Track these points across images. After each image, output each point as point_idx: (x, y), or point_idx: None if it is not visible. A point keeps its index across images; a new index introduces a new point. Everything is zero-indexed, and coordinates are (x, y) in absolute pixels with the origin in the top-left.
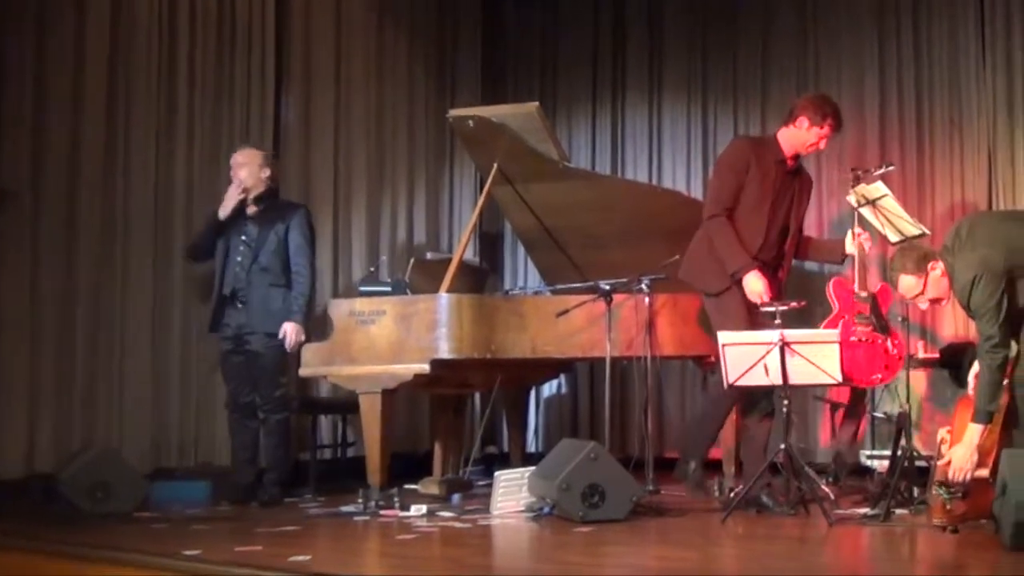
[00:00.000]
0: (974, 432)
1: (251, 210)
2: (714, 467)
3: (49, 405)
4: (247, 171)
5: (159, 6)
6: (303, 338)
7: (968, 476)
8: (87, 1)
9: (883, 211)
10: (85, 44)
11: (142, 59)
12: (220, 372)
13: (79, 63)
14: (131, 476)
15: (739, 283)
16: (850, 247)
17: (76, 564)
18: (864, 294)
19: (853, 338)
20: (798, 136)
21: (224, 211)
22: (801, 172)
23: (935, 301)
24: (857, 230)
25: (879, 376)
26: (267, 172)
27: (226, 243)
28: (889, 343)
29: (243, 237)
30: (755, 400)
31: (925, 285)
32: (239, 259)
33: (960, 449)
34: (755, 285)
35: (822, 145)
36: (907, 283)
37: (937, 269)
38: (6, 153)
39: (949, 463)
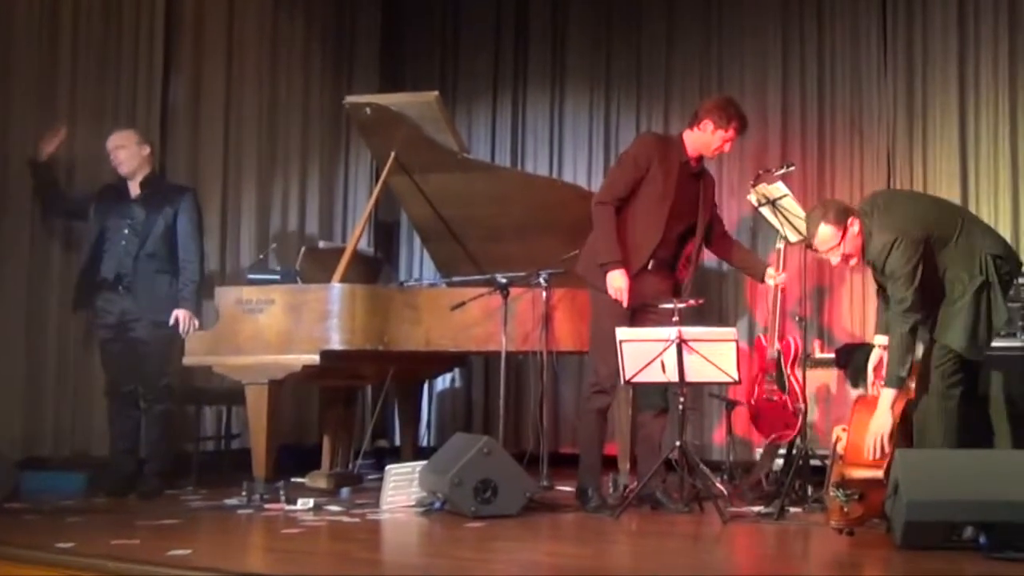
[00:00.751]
0: (887, 397)
1: (135, 193)
2: (609, 463)
3: None
4: (126, 152)
5: None
6: (196, 324)
7: (885, 441)
8: None
9: (783, 211)
10: None
11: (22, 28)
12: (99, 359)
13: None
14: (1, 464)
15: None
16: (769, 280)
17: None
18: (775, 349)
19: (765, 397)
20: (702, 139)
21: (44, 155)
22: (704, 174)
23: (846, 258)
24: (775, 274)
25: (776, 436)
26: (146, 149)
27: (103, 223)
28: (788, 401)
29: (128, 220)
30: (649, 397)
31: (842, 239)
32: (123, 243)
33: (878, 417)
34: (617, 282)
35: (726, 148)
36: (825, 233)
37: (855, 226)
38: None
39: (844, 463)
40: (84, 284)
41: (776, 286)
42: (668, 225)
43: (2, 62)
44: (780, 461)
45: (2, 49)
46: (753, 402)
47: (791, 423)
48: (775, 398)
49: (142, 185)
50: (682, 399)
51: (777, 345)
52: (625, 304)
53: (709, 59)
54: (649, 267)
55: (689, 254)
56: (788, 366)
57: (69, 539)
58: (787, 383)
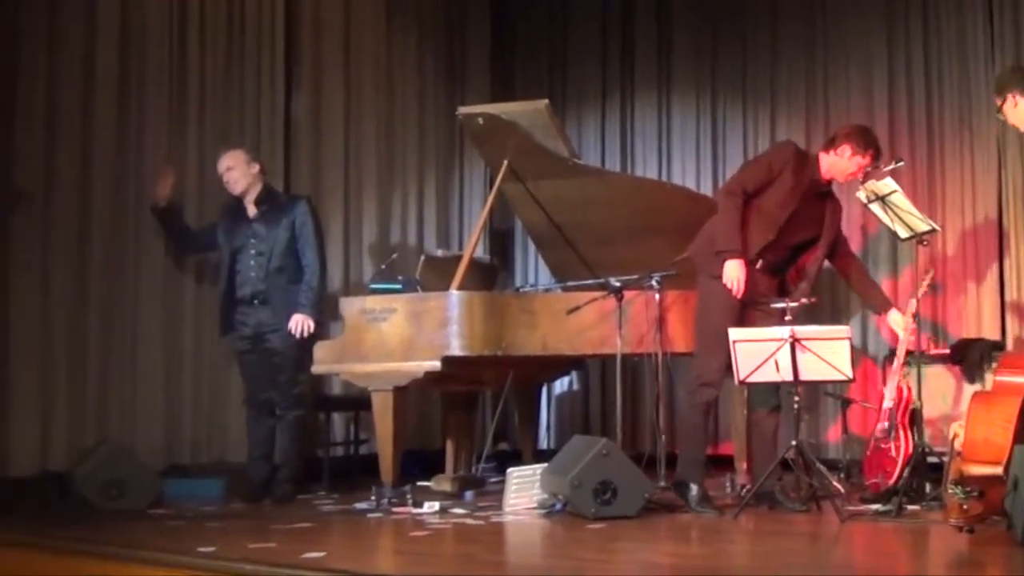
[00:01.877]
0: None
1: (253, 212)
2: (726, 463)
3: (62, 403)
4: (236, 173)
5: (168, 6)
6: (312, 327)
7: None
8: (98, 3)
9: (892, 207)
10: (96, 46)
11: (153, 59)
12: (237, 369)
13: (89, 65)
14: (145, 473)
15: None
16: (898, 328)
17: (90, 562)
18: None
19: (874, 442)
20: (838, 163)
21: (161, 199)
22: (831, 197)
23: None
24: (904, 323)
25: (874, 482)
26: (255, 167)
27: (231, 245)
28: (894, 448)
29: (252, 240)
30: (761, 395)
31: None
32: (252, 263)
33: None
34: (733, 271)
35: (860, 175)
36: None
37: None
38: (20, 155)
39: (963, 460)
40: (226, 307)
41: (904, 336)
42: (782, 232)
43: (136, 94)
44: None
45: (135, 82)
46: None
47: (890, 472)
48: (883, 446)
49: (257, 203)
50: (797, 398)
51: (892, 395)
52: (739, 294)
53: (814, 59)
54: (757, 266)
55: (802, 266)
56: (900, 415)
57: (210, 543)
58: (895, 431)
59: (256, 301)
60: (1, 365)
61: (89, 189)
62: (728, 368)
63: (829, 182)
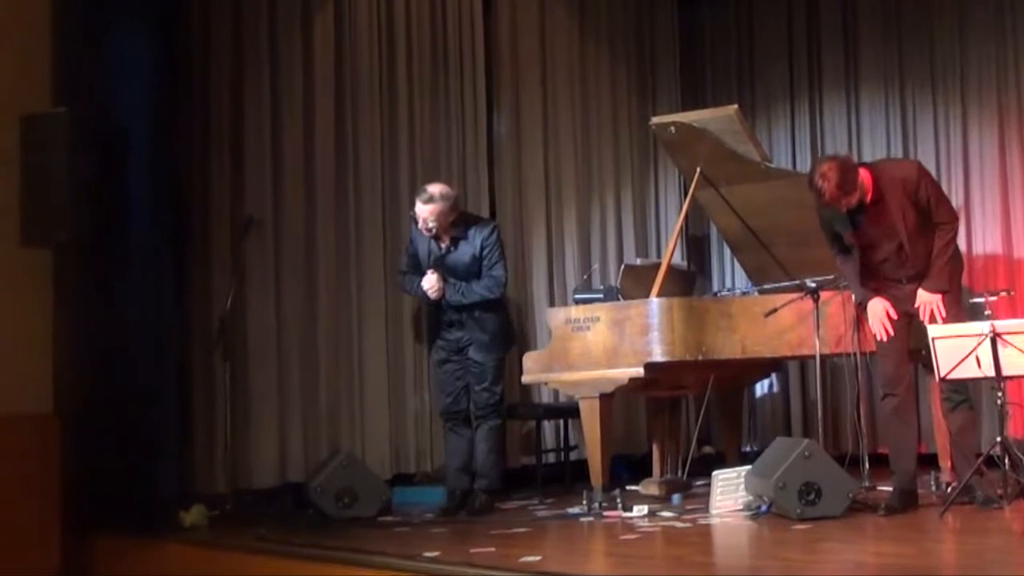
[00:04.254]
0: None
1: (445, 243)
2: (929, 462)
3: (297, 419)
4: (436, 224)
5: (378, 41)
6: (437, 288)
7: None
8: (313, 42)
9: None
10: (314, 84)
11: (365, 92)
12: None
13: (309, 101)
14: (374, 483)
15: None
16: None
17: (326, 566)
18: None
19: None
20: None
21: (434, 297)
22: (881, 201)
23: None
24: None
25: None
26: (452, 216)
27: (428, 263)
28: None
29: (449, 266)
30: (947, 392)
31: None
32: (452, 287)
33: None
34: (876, 312)
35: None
36: None
37: None
38: (250, 185)
39: None
40: (431, 326)
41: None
42: (868, 251)
43: (351, 125)
44: None
45: (350, 114)
46: None
47: None
48: None
49: (449, 235)
50: (1000, 393)
51: None
52: (889, 333)
53: (1004, 44)
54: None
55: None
56: None
57: (434, 548)
58: None
59: (455, 325)
60: (242, 383)
61: (313, 216)
62: (904, 372)
63: (871, 197)
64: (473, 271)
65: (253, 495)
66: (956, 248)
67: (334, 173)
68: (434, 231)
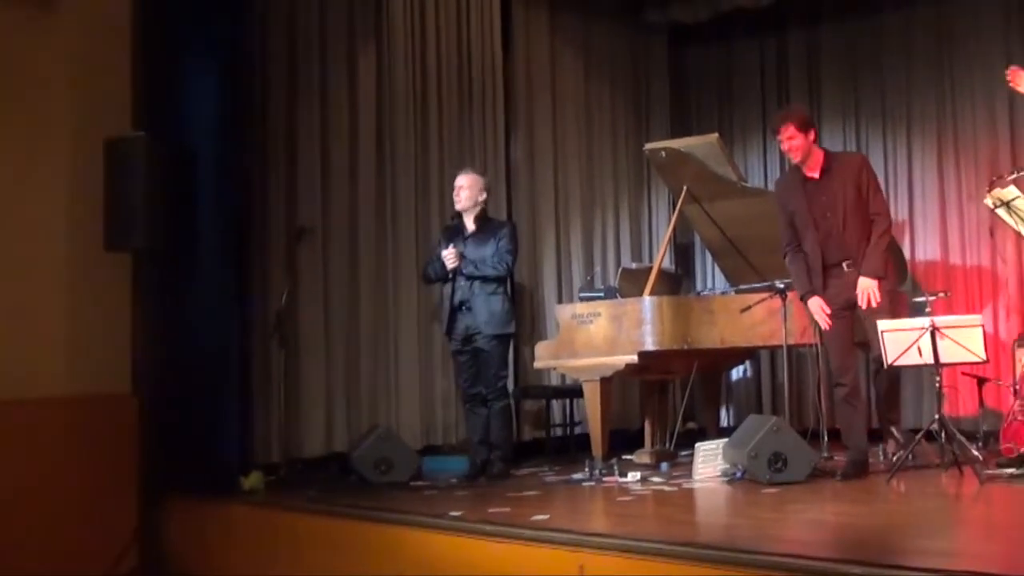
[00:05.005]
0: None
1: (471, 228)
2: (879, 435)
3: (341, 397)
4: (467, 192)
5: (412, 75)
6: (454, 257)
7: None
8: (357, 74)
9: (1016, 211)
10: (357, 107)
11: (401, 119)
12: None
13: (353, 126)
14: (407, 452)
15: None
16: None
17: (366, 524)
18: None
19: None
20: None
21: (450, 266)
22: (828, 175)
23: None
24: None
25: (1011, 445)
26: (484, 195)
27: None
28: None
29: (464, 256)
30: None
31: None
32: (464, 272)
33: None
34: (813, 310)
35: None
36: None
37: None
38: (302, 199)
39: None
40: (449, 311)
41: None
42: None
43: (389, 148)
44: None
45: (388, 139)
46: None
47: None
48: (1020, 418)
49: (475, 221)
50: (938, 378)
51: None
52: (828, 326)
53: (943, 88)
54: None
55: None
56: None
57: (458, 508)
58: None
59: (464, 308)
60: (294, 368)
61: (356, 225)
62: (851, 362)
63: (820, 167)
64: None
65: (303, 463)
66: (898, 251)
67: (374, 188)
68: (463, 200)
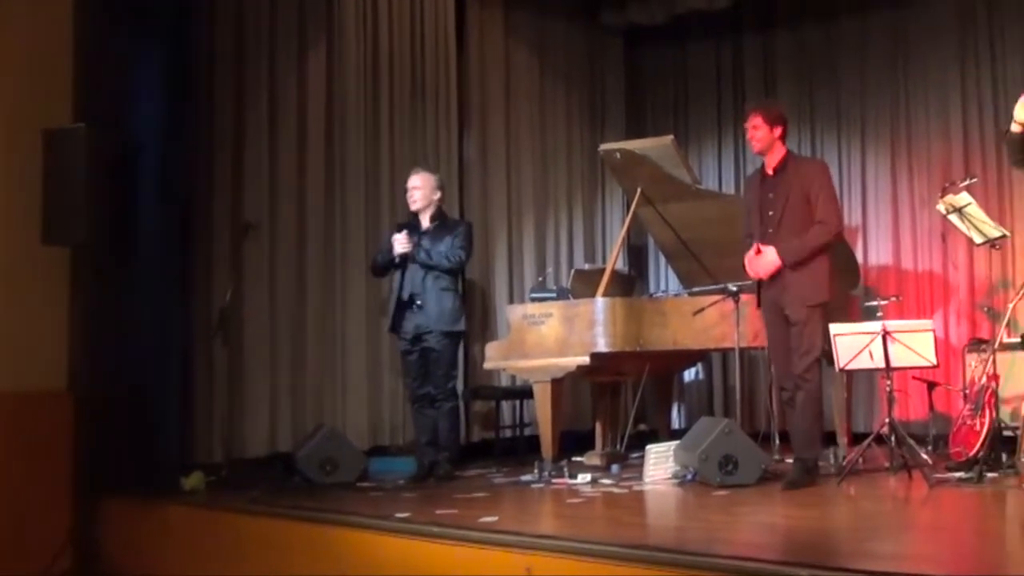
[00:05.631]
0: None
1: (426, 225)
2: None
3: (287, 396)
4: (421, 192)
5: (364, 71)
6: (405, 246)
7: None
8: (307, 70)
9: (968, 217)
10: (306, 104)
11: (352, 115)
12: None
13: (302, 121)
14: (353, 453)
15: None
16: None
17: (310, 526)
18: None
19: (962, 420)
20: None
21: (397, 252)
22: (785, 171)
23: None
24: None
25: (961, 449)
26: (438, 194)
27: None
28: (977, 423)
29: (420, 248)
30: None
31: None
32: (417, 260)
33: None
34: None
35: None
36: None
37: None
38: (249, 197)
39: None
40: (396, 308)
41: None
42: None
43: (339, 143)
44: None
45: (338, 133)
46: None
47: (972, 445)
48: (969, 422)
49: (431, 219)
50: (889, 382)
51: (984, 380)
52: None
53: (897, 91)
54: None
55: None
56: (987, 397)
57: (405, 510)
58: (981, 411)
59: (415, 305)
60: (238, 367)
61: (304, 222)
62: (791, 369)
63: (776, 165)
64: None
65: (247, 463)
66: (851, 255)
67: (323, 185)
68: (417, 201)
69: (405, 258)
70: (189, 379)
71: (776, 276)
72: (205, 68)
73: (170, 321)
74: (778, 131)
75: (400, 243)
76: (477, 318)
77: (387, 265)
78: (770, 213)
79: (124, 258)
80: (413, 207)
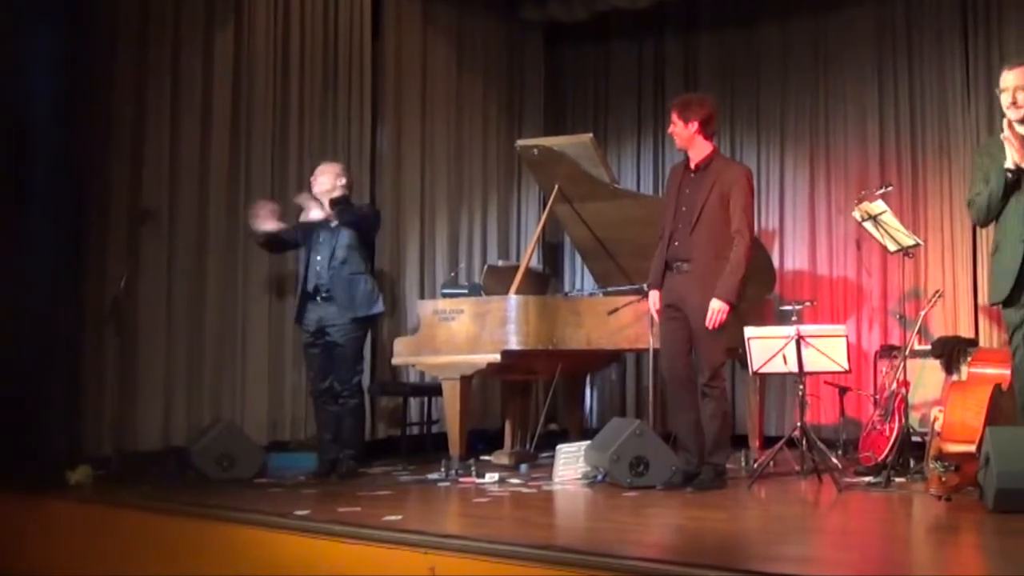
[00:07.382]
0: None
1: (331, 217)
2: (742, 442)
3: (182, 388)
4: (324, 178)
5: (274, 57)
6: (311, 207)
7: None
8: (214, 53)
9: (883, 225)
10: (212, 89)
11: (260, 102)
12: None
13: (207, 105)
14: (251, 448)
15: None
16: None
17: (205, 523)
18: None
19: (872, 425)
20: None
21: (313, 218)
22: (705, 172)
23: None
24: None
25: (870, 454)
26: (343, 180)
27: (307, 245)
28: (888, 430)
29: (323, 237)
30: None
31: None
32: (319, 257)
33: None
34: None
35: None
36: None
37: None
38: (147, 179)
39: (942, 439)
40: (302, 299)
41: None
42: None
43: (245, 129)
44: None
45: (244, 119)
46: (867, 425)
47: (882, 450)
48: (879, 427)
49: (332, 205)
50: (801, 386)
51: (894, 386)
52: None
53: (817, 98)
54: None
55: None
56: (895, 401)
57: (305, 508)
58: (891, 416)
59: (320, 296)
60: (131, 356)
61: (206, 207)
62: (678, 368)
63: (698, 162)
64: (352, 244)
65: (138, 457)
66: (767, 259)
67: (227, 172)
68: (317, 187)
69: (310, 238)
70: (77, 369)
71: (678, 269)
72: (107, 48)
73: (58, 308)
74: (694, 127)
75: (314, 208)
76: (386, 312)
77: (286, 240)
78: (684, 209)
79: (10, 244)
80: (314, 191)
